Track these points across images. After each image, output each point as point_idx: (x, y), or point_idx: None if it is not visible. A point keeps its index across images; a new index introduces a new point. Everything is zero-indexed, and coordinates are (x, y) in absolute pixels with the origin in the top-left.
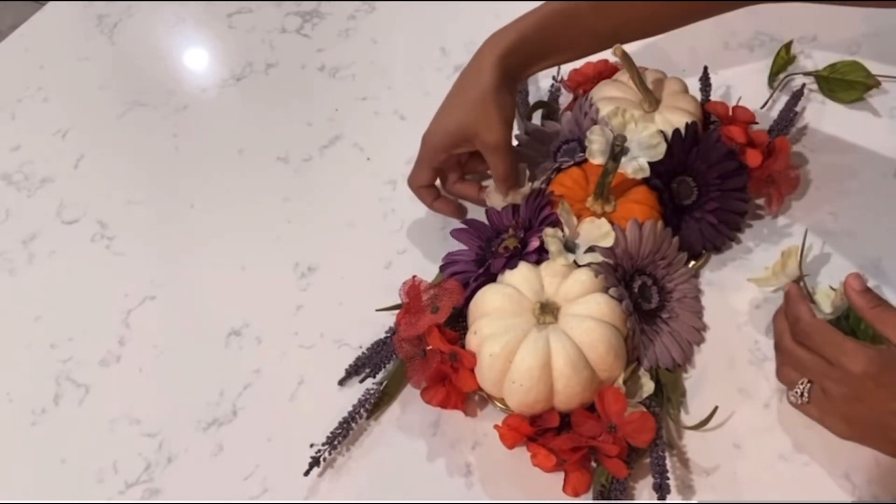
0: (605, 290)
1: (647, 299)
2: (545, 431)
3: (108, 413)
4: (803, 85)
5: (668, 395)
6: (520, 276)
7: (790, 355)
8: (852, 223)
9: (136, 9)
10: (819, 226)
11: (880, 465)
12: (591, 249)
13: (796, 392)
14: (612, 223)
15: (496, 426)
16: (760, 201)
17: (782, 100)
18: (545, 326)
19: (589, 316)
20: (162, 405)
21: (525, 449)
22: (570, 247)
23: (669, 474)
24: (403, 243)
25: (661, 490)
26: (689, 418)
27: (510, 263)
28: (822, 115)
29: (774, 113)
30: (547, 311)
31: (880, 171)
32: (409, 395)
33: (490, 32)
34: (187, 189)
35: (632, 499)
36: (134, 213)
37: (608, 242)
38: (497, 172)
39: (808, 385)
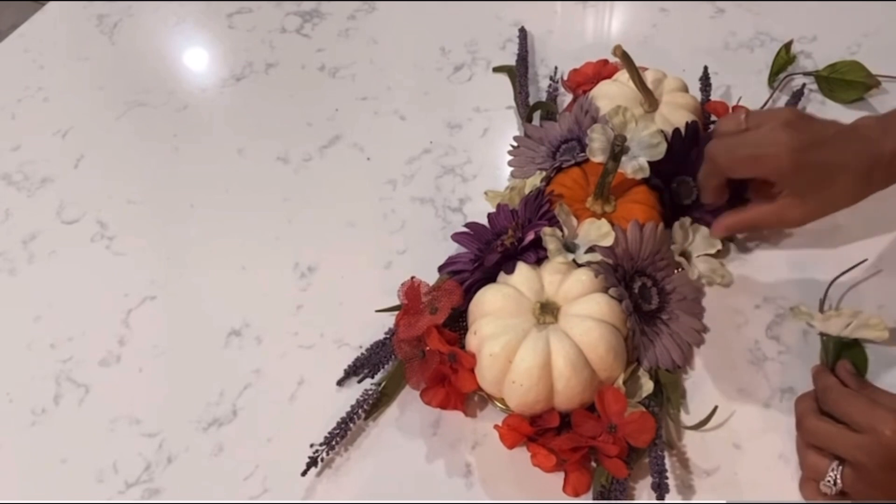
0: (605, 290)
1: (647, 300)
2: (545, 431)
3: (108, 413)
4: (803, 85)
5: (667, 395)
6: (520, 276)
7: (815, 433)
8: (852, 223)
9: (137, 9)
10: (819, 226)
11: None
12: (591, 249)
13: (828, 482)
14: (612, 223)
15: (496, 426)
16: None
17: (782, 100)
18: (545, 326)
19: (589, 316)
20: (162, 405)
21: (525, 449)
22: (569, 247)
23: (668, 474)
24: (403, 243)
25: (660, 490)
26: (688, 418)
27: (506, 261)
28: (822, 115)
29: None
30: (547, 311)
31: None
32: (408, 396)
33: (490, 32)
34: (187, 189)
35: (632, 499)
36: (134, 213)
37: (608, 242)
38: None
39: (840, 469)
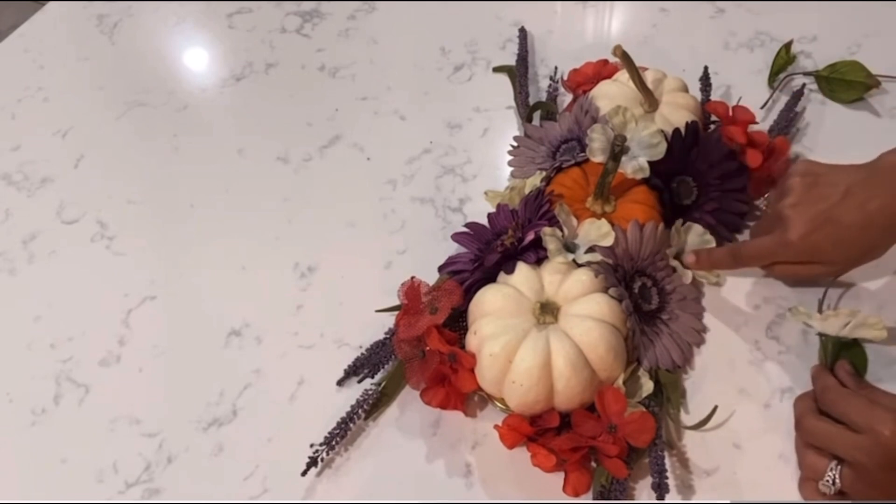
0: (605, 290)
1: (647, 300)
2: (545, 431)
3: (108, 413)
4: (803, 85)
5: (667, 395)
6: (520, 276)
7: (814, 433)
8: None
9: (137, 9)
10: None
11: None
12: (591, 249)
13: (826, 481)
14: (612, 223)
15: (496, 426)
16: (759, 201)
17: (782, 100)
18: (545, 326)
19: (589, 316)
20: (162, 405)
21: (525, 449)
22: (569, 247)
23: (668, 474)
24: (403, 243)
25: (660, 490)
26: (688, 418)
27: (506, 261)
28: (822, 115)
29: (774, 113)
30: (547, 310)
31: None
32: (408, 397)
33: (490, 32)
34: (187, 189)
35: (632, 499)
36: (134, 213)
37: (608, 242)
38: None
39: (838, 468)
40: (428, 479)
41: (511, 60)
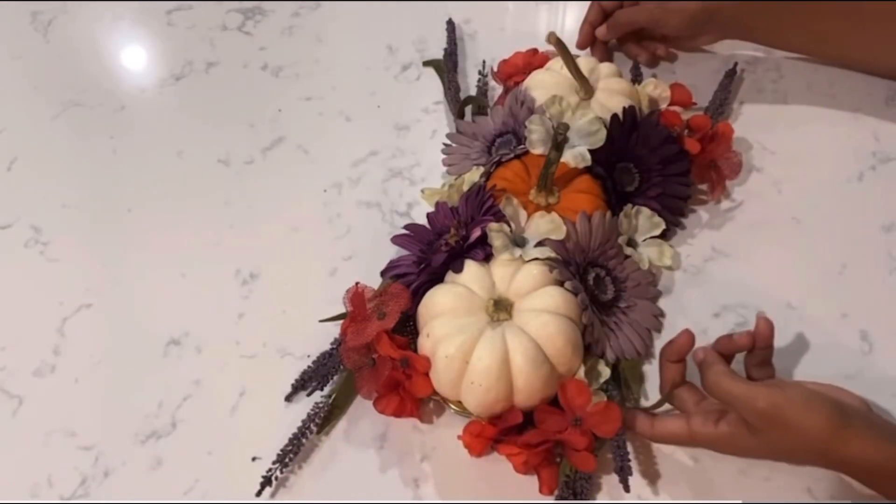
0: (559, 283)
1: (603, 290)
2: (509, 431)
3: (42, 425)
4: (735, 64)
5: (627, 381)
6: (469, 274)
7: (719, 385)
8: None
9: (72, 5)
10: (763, 210)
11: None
12: (540, 243)
13: None
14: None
15: (459, 437)
16: (704, 187)
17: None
18: (500, 323)
19: (544, 310)
20: (98, 417)
21: (468, 454)
22: (518, 242)
23: (631, 457)
24: (349, 249)
25: (623, 472)
26: (648, 404)
27: (454, 261)
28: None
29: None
30: (501, 307)
31: (828, 156)
32: (354, 406)
33: (439, 30)
34: (125, 193)
35: (598, 488)
36: (69, 218)
37: (560, 235)
38: None
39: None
40: (379, 490)
41: (461, 59)
